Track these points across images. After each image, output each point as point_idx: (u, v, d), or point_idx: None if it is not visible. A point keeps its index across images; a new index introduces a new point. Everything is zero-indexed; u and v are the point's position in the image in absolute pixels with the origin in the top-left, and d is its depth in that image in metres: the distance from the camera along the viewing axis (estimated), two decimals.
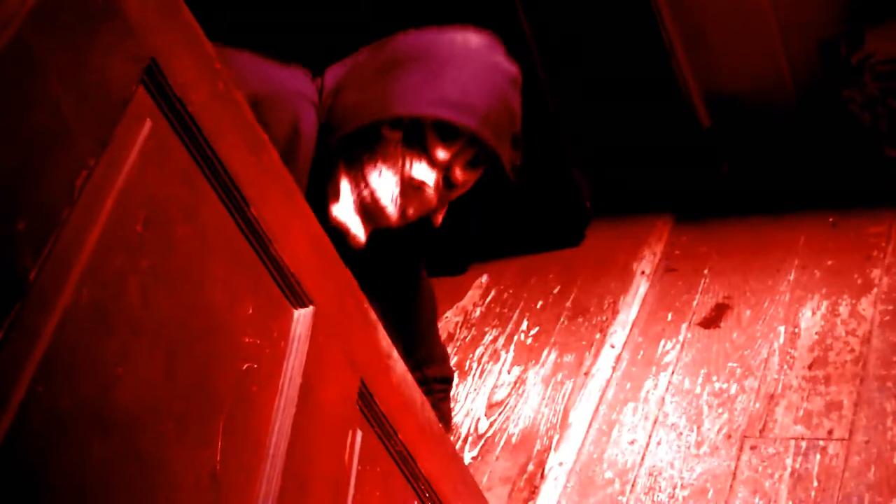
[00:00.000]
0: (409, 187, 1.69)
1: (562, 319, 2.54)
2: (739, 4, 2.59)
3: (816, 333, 2.20)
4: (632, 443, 2.12)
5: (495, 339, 2.55)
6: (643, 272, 2.59)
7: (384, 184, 1.68)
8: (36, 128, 0.79)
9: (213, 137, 1.04)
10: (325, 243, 1.27)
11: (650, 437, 2.11)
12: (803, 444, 1.95)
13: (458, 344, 2.59)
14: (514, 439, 2.25)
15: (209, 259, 1.02)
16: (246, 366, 1.04)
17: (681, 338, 2.35)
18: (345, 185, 1.70)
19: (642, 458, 2.07)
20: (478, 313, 2.66)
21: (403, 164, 1.67)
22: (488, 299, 2.70)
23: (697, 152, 2.80)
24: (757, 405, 2.08)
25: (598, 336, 2.44)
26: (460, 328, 2.63)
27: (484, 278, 2.78)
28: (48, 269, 0.74)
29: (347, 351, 1.26)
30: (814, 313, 2.26)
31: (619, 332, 2.43)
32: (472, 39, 1.70)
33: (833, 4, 2.52)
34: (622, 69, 2.68)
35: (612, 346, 2.39)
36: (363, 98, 1.68)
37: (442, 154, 1.68)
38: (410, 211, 1.72)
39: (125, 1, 0.94)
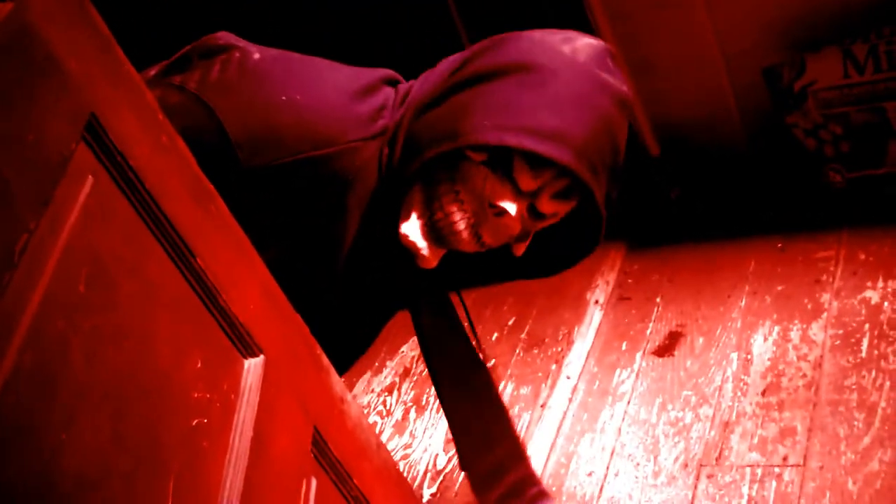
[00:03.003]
0: (489, 214, 1.51)
1: (517, 351, 2.54)
2: (684, 35, 2.63)
3: (769, 359, 2.22)
4: (590, 474, 2.12)
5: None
6: (597, 301, 2.61)
7: (461, 208, 1.51)
8: None
9: (156, 191, 1.03)
10: (274, 290, 1.26)
11: (608, 468, 2.12)
12: (759, 471, 1.97)
13: (415, 378, 2.59)
14: None
15: (155, 314, 1.01)
16: (196, 421, 1.02)
17: (635, 367, 2.36)
18: (418, 208, 1.53)
19: (601, 490, 2.07)
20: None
21: (484, 190, 1.49)
22: None
23: (648, 180, 2.83)
24: (712, 433, 2.09)
25: (553, 367, 2.45)
26: (416, 362, 2.62)
27: None
28: None
29: (300, 398, 1.25)
30: (765, 339, 2.28)
31: (575, 362, 2.43)
32: (580, 51, 1.49)
33: (774, 32, 2.56)
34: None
35: (568, 377, 2.39)
36: (447, 114, 1.50)
37: (528, 183, 1.49)
38: (487, 238, 1.53)
39: (66, 58, 0.93)
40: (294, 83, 1.56)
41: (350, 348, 1.74)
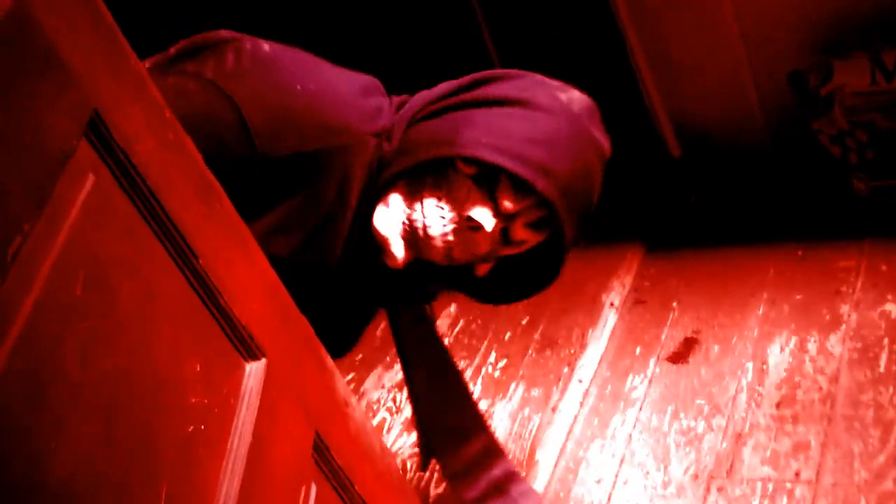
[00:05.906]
0: (464, 228, 1.55)
1: (530, 352, 2.51)
2: (708, 36, 2.59)
3: (785, 371, 2.19)
4: (598, 481, 2.09)
5: (463, 372, 2.51)
6: (612, 304, 2.57)
7: (439, 216, 1.55)
8: None
9: (159, 189, 1.00)
10: (278, 290, 1.24)
11: (617, 475, 2.09)
12: (770, 485, 1.93)
13: None
14: None
15: (154, 316, 0.99)
16: (192, 427, 1.00)
17: (649, 373, 2.33)
18: (398, 203, 1.56)
19: (609, 498, 2.05)
20: (446, 343, 2.63)
21: (466, 201, 1.54)
22: (456, 329, 2.67)
23: (668, 183, 2.79)
24: (724, 444, 2.06)
25: (566, 370, 2.42)
26: None
27: (453, 307, 2.75)
28: None
29: (302, 402, 1.23)
30: (782, 349, 2.25)
31: (587, 366, 2.40)
32: (575, 102, 1.58)
33: (801, 36, 2.52)
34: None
35: (580, 381, 2.36)
36: (446, 126, 1.56)
37: (508, 205, 1.55)
38: (457, 252, 1.58)
39: (69, 52, 0.91)
40: (306, 74, 1.58)
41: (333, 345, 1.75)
